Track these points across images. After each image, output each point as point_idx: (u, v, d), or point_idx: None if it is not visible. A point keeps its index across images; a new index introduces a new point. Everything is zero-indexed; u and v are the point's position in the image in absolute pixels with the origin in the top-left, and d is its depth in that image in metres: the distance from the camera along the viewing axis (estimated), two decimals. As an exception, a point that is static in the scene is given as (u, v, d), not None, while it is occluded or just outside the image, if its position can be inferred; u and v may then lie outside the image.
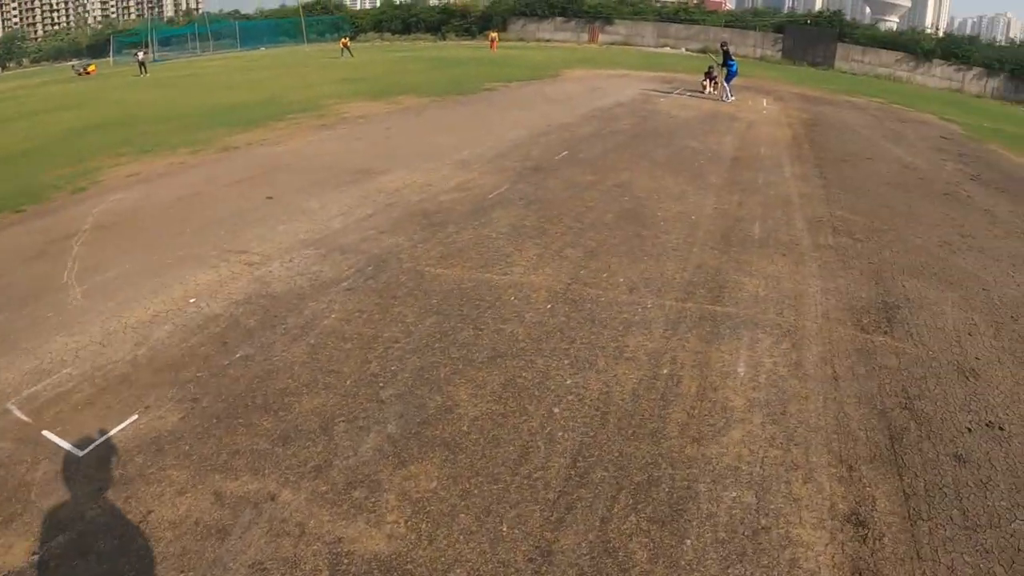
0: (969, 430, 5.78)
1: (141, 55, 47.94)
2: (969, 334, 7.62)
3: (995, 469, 5.29)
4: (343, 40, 53.43)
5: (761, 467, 5.14)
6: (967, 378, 6.64)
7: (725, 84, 26.93)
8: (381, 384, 6.00)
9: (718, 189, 12.84)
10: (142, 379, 6.07)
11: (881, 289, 8.69)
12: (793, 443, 5.43)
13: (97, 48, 71.01)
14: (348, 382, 6.02)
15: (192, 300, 7.58)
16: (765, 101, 29.11)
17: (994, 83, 72.78)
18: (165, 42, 73.64)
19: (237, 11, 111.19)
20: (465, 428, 5.46)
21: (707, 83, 28.87)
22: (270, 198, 11.52)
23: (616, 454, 5.19)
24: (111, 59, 63.66)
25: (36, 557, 4.17)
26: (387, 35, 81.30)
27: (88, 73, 52.13)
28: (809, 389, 6.20)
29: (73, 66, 58.95)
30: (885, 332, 7.45)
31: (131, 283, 8.06)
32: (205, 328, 6.97)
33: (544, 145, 15.93)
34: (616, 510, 4.62)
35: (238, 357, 6.40)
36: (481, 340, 6.77)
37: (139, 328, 6.97)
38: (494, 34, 59.26)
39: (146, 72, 44.28)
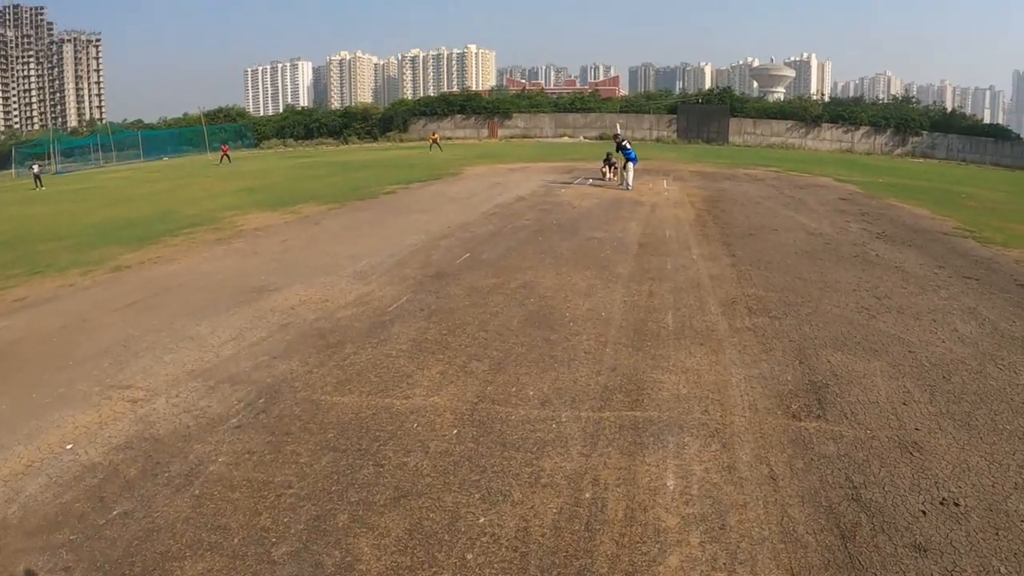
0: (924, 513, 5.36)
1: (36, 168, 46.73)
2: (904, 403, 7.29)
3: (958, 553, 4.89)
4: (223, 147, 53.63)
5: (706, 599, 4.52)
6: (911, 453, 6.26)
7: (624, 172, 27.11)
8: (273, 540, 5.21)
9: (627, 280, 12.48)
10: (12, 544, 5.20)
11: (806, 368, 8.32)
12: (738, 562, 4.84)
13: (1, 159, 69.19)
14: (236, 540, 5.21)
15: (69, 446, 6.67)
16: (666, 182, 29.60)
17: (881, 139, 76.48)
18: (68, 153, 72.50)
19: (140, 120, 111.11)
20: (366, 591, 4.74)
21: (607, 170, 29.13)
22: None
23: (540, 607, 4.52)
24: (13, 171, 61.89)
25: None
26: (290, 141, 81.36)
27: None
28: (747, 495, 5.65)
29: None
30: (818, 416, 7.01)
31: (5, 427, 7.14)
32: (82, 480, 6.08)
33: (445, 249, 15.42)
34: None
35: (116, 514, 5.53)
36: (383, 478, 6.03)
37: (11, 481, 6.06)
38: (435, 135, 60.57)
39: (42, 185, 43.00)
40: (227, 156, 51.96)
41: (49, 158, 66.03)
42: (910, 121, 76.31)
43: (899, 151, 75.40)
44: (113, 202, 29.09)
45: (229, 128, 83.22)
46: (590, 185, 28.37)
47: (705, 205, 22.49)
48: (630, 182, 26.51)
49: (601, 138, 70.32)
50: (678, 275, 12.85)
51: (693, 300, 11.25)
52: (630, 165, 26.58)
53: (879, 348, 9.02)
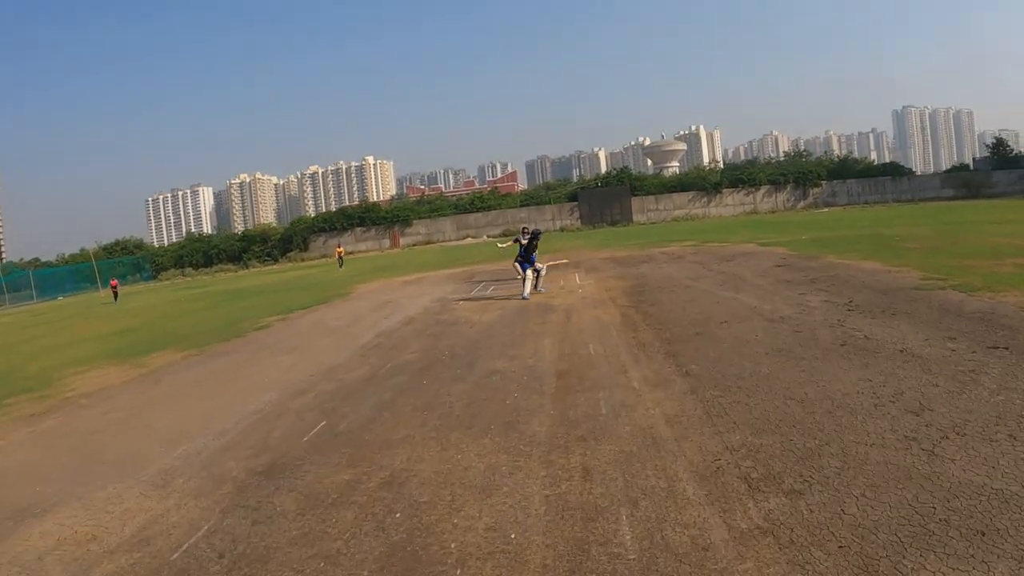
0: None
1: None
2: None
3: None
4: (112, 281, 48.94)
5: None
6: None
7: (524, 272, 22.21)
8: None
9: (546, 448, 8.02)
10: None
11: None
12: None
13: None
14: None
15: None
16: (578, 277, 25.57)
17: (783, 196, 75.98)
18: None
19: (37, 259, 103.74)
20: None
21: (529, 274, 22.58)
22: None
23: None
24: None
25: None
26: (188, 270, 76.93)
27: None
28: None
29: None
30: None
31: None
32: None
33: (296, 415, 10.84)
34: None
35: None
36: None
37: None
38: (340, 249, 56.84)
39: None
40: (115, 292, 46.81)
41: None
42: (807, 173, 76.50)
43: (801, 204, 74.90)
44: None
45: (127, 261, 78.56)
46: (493, 291, 24.24)
47: (629, 299, 18.50)
48: (527, 290, 21.67)
49: (505, 234, 67.65)
50: (620, 425, 8.46)
51: (654, 477, 6.78)
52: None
53: (992, 532, 4.94)
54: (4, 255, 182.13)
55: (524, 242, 22.09)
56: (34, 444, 11.26)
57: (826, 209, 68.68)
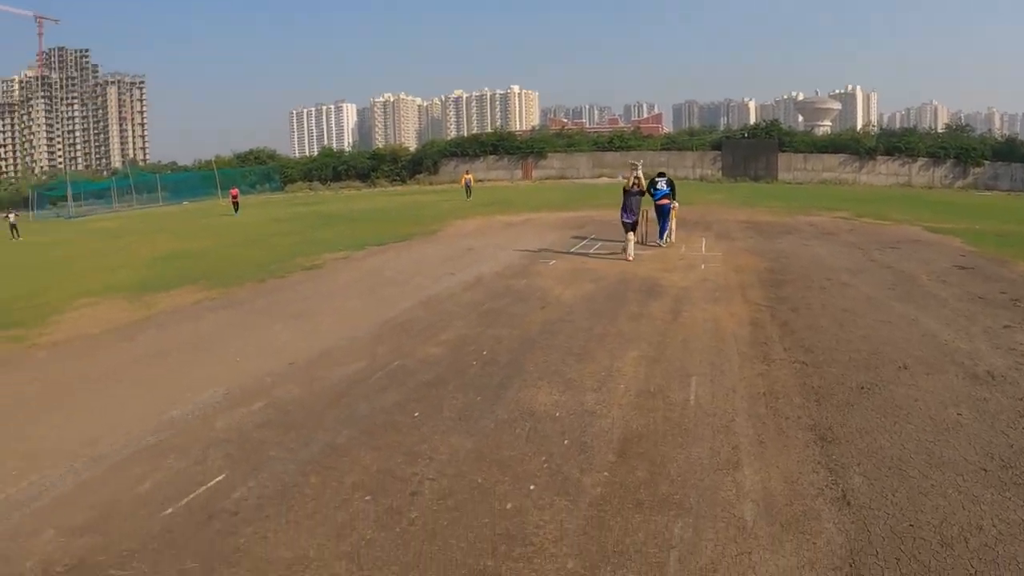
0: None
1: (12, 217, 40.09)
2: None
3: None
4: (232, 191, 46.58)
5: None
6: None
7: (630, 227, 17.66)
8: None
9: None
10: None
11: None
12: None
13: (37, 200, 64.70)
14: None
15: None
16: (705, 244, 20.32)
17: (940, 171, 67.26)
18: (100, 195, 67.62)
19: (175, 162, 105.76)
20: None
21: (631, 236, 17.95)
22: None
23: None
24: (32, 213, 56.49)
25: None
26: (316, 184, 74.48)
27: None
28: None
29: None
30: None
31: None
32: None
33: (195, 454, 6.63)
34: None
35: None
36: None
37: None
38: (468, 175, 50.51)
39: (18, 236, 36.91)
40: (235, 203, 44.24)
41: (67, 201, 61.82)
42: (970, 151, 66.85)
43: (960, 183, 65.81)
44: (12, 271, 22.05)
45: (257, 170, 76.94)
46: (595, 251, 19.18)
47: (764, 292, 13.47)
48: (631, 250, 17.36)
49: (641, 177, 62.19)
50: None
51: None
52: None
53: None
54: (148, 157, 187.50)
55: (641, 185, 17.63)
56: None
57: (988, 192, 59.79)
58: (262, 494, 5.90)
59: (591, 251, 19.19)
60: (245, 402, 8.13)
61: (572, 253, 18.92)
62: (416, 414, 7.58)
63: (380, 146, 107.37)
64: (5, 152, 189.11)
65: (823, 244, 19.95)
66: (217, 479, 6.18)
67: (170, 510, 5.67)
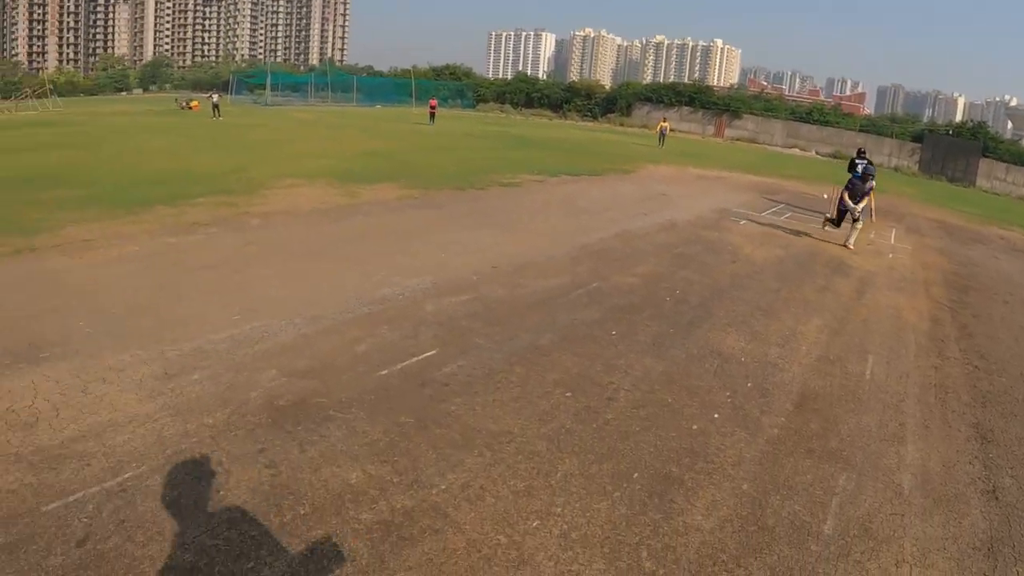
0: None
1: (215, 98, 44.10)
2: None
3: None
4: (431, 101, 47.98)
5: None
6: None
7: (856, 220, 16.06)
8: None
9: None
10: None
11: None
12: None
13: (236, 85, 69.43)
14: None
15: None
16: (894, 233, 19.48)
17: None
18: (296, 88, 71.93)
19: (371, 67, 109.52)
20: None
21: (833, 213, 16.98)
22: None
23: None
24: (230, 96, 60.66)
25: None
26: (507, 107, 75.45)
27: (191, 108, 49.89)
28: None
29: (177, 99, 55.92)
30: None
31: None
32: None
33: (412, 328, 7.45)
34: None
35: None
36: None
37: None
38: (664, 123, 47.26)
39: (219, 116, 40.19)
40: (432, 113, 45.99)
41: (264, 89, 65.59)
42: None
43: None
44: (218, 147, 23.40)
45: (451, 85, 78.51)
46: (785, 221, 18.56)
47: (947, 292, 12.89)
48: (852, 238, 15.95)
49: (835, 156, 59.21)
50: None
51: None
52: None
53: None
54: (344, 59, 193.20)
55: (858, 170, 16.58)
56: (137, 265, 8.99)
57: None
58: (471, 373, 6.46)
59: (782, 218, 18.91)
60: (452, 293, 8.75)
61: (763, 217, 18.70)
62: (613, 332, 7.97)
63: (575, 80, 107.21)
64: (208, 37, 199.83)
65: (1013, 260, 18.71)
66: (428, 353, 6.81)
67: (385, 371, 6.31)
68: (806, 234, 16.83)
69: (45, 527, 3.91)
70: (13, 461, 4.47)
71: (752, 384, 7.06)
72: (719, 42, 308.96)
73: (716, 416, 6.22)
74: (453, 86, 78.48)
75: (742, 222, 17.25)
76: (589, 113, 74.92)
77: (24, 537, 3.81)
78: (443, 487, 4.64)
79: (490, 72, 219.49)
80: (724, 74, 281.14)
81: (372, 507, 4.34)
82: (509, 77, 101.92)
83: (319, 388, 5.87)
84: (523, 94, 78.35)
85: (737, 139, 70.19)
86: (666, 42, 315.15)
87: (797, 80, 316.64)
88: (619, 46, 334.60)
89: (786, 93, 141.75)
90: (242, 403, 5.49)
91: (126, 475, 4.44)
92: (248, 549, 3.87)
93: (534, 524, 4.36)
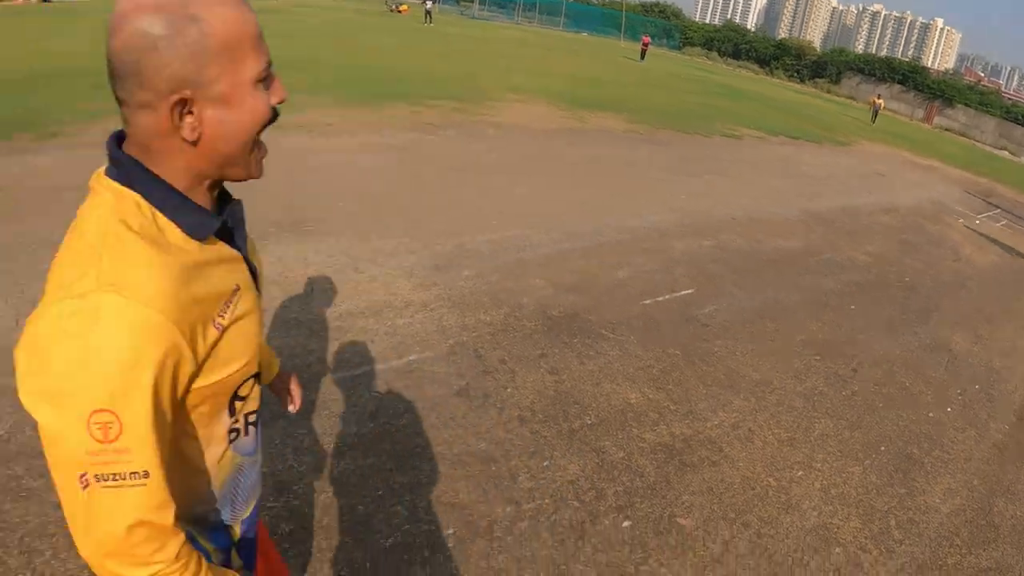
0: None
1: (429, 4, 44.68)
2: None
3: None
4: (644, 38, 47.42)
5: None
6: None
7: None
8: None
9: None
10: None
11: None
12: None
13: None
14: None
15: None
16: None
17: None
18: (502, 5, 72.02)
19: None
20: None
21: None
22: None
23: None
24: (438, 4, 62.35)
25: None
26: (713, 54, 73.67)
27: (399, 11, 50.20)
28: None
29: (386, 1, 57.26)
30: None
31: None
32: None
33: (665, 264, 7.96)
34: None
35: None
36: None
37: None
38: (878, 100, 44.42)
39: (431, 22, 41.15)
40: (644, 50, 45.91)
41: (472, 2, 66.52)
42: None
43: None
44: (441, 53, 24.35)
45: (658, 23, 76.60)
46: (1001, 228, 17.52)
47: None
48: None
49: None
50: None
51: None
52: None
53: None
54: None
55: None
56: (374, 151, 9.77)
57: None
58: (727, 319, 6.94)
59: (998, 225, 18.12)
60: (696, 236, 9.21)
61: (979, 218, 18.02)
62: (852, 307, 8.27)
63: (784, 36, 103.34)
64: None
65: None
66: (686, 291, 7.32)
67: (648, 301, 6.86)
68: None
69: (335, 396, 4.45)
70: (294, 325, 5.10)
71: (979, 387, 7.21)
72: (939, 21, 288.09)
73: (949, 410, 6.47)
74: (661, 24, 76.83)
75: (959, 220, 16.71)
76: (796, 74, 72.09)
77: (319, 402, 4.36)
78: (715, 423, 5.18)
79: (697, 15, 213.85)
80: (940, 57, 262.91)
81: (654, 429, 4.91)
82: (715, 22, 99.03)
83: (588, 305, 6.48)
84: (731, 43, 76.13)
85: (947, 129, 65.77)
86: (883, 12, 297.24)
87: (1016, 77, 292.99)
88: (834, 8, 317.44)
89: (1003, 88, 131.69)
90: (517, 307, 6.12)
91: (411, 357, 5.01)
92: (541, 447, 4.39)
93: (799, 474, 4.85)
